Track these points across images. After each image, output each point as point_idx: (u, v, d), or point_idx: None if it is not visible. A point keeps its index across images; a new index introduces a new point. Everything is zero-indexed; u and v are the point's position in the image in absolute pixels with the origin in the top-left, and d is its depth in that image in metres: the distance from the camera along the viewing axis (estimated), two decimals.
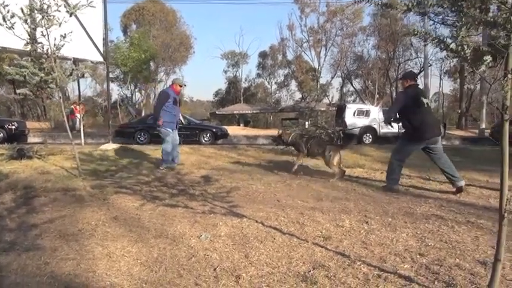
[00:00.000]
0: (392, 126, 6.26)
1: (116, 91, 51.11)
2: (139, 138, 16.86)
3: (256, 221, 4.31)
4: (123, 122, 28.26)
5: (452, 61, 36.32)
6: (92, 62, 9.76)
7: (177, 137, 7.98)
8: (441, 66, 42.39)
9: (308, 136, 7.35)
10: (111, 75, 35.05)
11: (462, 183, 5.83)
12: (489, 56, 2.08)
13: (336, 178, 6.68)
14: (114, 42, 33.49)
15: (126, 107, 33.91)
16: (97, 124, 30.92)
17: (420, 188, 6.21)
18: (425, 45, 22.24)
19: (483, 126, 23.68)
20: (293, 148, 7.45)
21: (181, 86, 7.98)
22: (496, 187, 6.09)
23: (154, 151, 9.97)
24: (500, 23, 1.93)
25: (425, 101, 5.83)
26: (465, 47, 2.05)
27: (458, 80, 36.25)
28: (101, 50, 11.02)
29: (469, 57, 2.09)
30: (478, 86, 29.94)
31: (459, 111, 31.58)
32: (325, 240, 3.72)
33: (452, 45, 2.07)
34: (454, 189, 5.79)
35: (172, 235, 3.92)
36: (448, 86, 49.28)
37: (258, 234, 3.90)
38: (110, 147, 10.67)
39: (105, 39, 11.40)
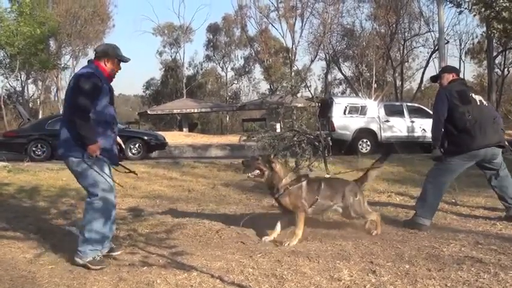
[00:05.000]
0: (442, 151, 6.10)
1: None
2: (34, 152, 16.30)
3: (212, 276, 4.13)
4: (10, 128, 27.35)
5: (476, 36, 37.70)
6: None
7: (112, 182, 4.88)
8: (461, 44, 43.52)
9: (309, 179, 5.66)
10: None
11: None
12: None
13: (379, 228, 5.62)
14: None
15: (15, 106, 32.90)
16: None
17: (445, 218, 6.21)
18: (460, 13, 22.25)
19: None
20: (283, 204, 5.44)
21: (120, 62, 4.97)
22: None
23: (58, 172, 9.63)
24: None
25: (477, 98, 5.89)
26: None
27: (485, 62, 37.39)
28: None
29: None
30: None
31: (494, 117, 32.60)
32: None
33: (505, 13, 1.96)
34: (502, 216, 5.93)
35: None
36: (471, 71, 50.69)
37: None
38: None
39: None
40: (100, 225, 4.58)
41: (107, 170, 4.68)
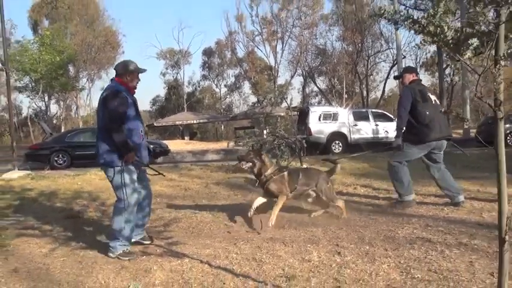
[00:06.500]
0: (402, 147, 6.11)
1: (26, 104, 49.27)
2: (56, 161, 16.13)
3: (201, 261, 4.08)
4: (36, 141, 27.10)
5: (429, 52, 37.90)
6: None
7: (147, 183, 4.99)
8: (416, 59, 43.90)
9: (289, 170, 5.82)
10: (18, 84, 33.92)
11: (462, 197, 5.97)
12: (475, 39, 1.97)
13: (345, 213, 5.68)
14: (21, 42, 32.34)
15: (39, 122, 32.69)
16: (4, 146, 29.59)
17: None
18: (396, 29, 22.76)
19: (468, 125, 24.51)
20: (270, 189, 5.49)
21: (140, 72, 4.81)
22: (489, 198, 6.17)
23: (74, 177, 9.53)
24: None
25: (432, 97, 6.00)
26: (445, 27, 1.94)
27: (437, 74, 37.58)
28: None
29: (450, 41, 1.98)
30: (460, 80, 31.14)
31: (442, 110, 32.72)
32: (288, 280, 3.53)
33: (430, 27, 1.95)
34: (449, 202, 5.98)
35: None
36: (426, 81, 51.13)
37: (203, 279, 3.66)
38: (16, 175, 10.13)
39: (1, 36, 10.77)
40: (127, 223, 4.49)
41: (135, 175, 4.60)
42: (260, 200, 5.52)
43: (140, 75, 4.78)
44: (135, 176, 4.59)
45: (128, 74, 4.63)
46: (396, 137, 6.14)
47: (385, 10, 2.13)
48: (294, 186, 5.51)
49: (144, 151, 4.73)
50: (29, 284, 3.78)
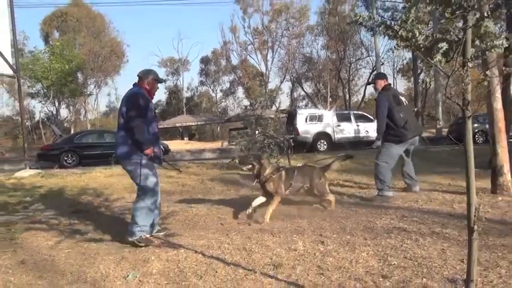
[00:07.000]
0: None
1: (39, 108, 48.81)
2: (66, 160, 15.99)
3: (196, 251, 4.01)
4: (47, 143, 26.89)
5: (405, 59, 38.01)
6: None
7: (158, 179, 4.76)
8: (394, 65, 44.12)
9: (286, 168, 5.74)
10: (31, 91, 33.74)
11: (418, 188, 6.29)
12: (444, 43, 1.92)
13: (333, 206, 5.63)
14: (33, 52, 32.06)
15: (49, 125, 32.48)
16: (18, 148, 29.27)
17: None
18: (372, 35, 22.71)
19: (440, 125, 24.68)
20: (268, 189, 5.39)
21: (160, 82, 4.95)
22: (459, 190, 6.15)
23: (81, 175, 9.42)
24: (455, 1, 1.77)
25: (403, 99, 6.13)
26: (416, 32, 1.89)
27: (412, 79, 37.76)
28: (10, 61, 10.29)
29: (422, 45, 1.93)
30: (433, 84, 31.25)
31: (415, 109, 32.78)
32: (275, 268, 3.47)
33: (402, 32, 1.89)
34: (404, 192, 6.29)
35: (92, 278, 3.54)
36: (402, 86, 51.33)
37: (197, 268, 3.60)
38: (27, 173, 10.01)
39: (13, 46, 10.63)
40: (146, 211, 4.50)
41: (153, 169, 4.63)
42: (260, 200, 5.43)
43: (162, 81, 4.99)
44: (153, 169, 4.62)
45: (149, 81, 4.69)
46: (377, 139, 6.28)
47: (360, 16, 2.08)
48: (290, 183, 5.46)
49: (159, 149, 4.74)
50: (34, 274, 3.70)
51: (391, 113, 5.94)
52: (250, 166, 5.44)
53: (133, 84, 4.74)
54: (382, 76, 6.47)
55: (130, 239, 4.42)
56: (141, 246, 4.32)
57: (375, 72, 26.24)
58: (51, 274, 3.68)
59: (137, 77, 4.72)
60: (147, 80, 4.68)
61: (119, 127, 4.59)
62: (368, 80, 39.42)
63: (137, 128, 4.39)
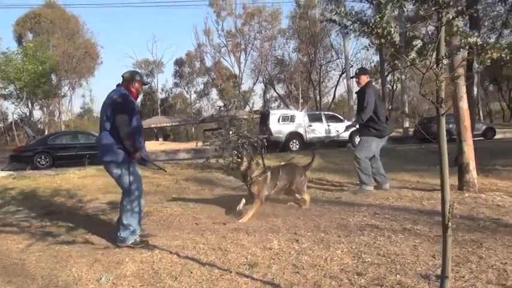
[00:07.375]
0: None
1: (12, 110, 47.36)
2: (39, 162, 15.52)
3: (171, 252, 3.88)
4: (20, 144, 26.08)
5: (373, 61, 38.46)
6: None
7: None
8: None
9: (271, 169, 5.61)
10: (3, 92, 32.61)
11: (388, 186, 6.32)
12: (419, 41, 1.87)
13: (307, 205, 5.58)
14: (6, 53, 31.00)
15: (23, 127, 31.54)
16: None
17: (352, 195, 6.12)
18: (346, 33, 22.78)
19: (406, 125, 25.12)
20: (252, 191, 5.31)
21: (145, 85, 5.04)
22: (427, 188, 6.19)
23: (54, 177, 9.10)
24: None
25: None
26: (392, 29, 1.83)
27: (380, 80, 38.23)
28: None
29: (397, 43, 1.87)
30: (399, 86, 31.74)
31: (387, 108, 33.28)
32: (251, 267, 3.38)
33: (378, 29, 1.83)
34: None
35: (64, 282, 3.38)
36: None
37: (171, 269, 3.48)
38: None
39: None
40: (135, 214, 4.37)
41: (138, 171, 4.48)
42: (244, 200, 5.40)
43: (111, 87, 4.68)
44: (138, 172, 4.49)
45: (134, 82, 4.54)
46: (354, 122, 6.47)
47: (336, 12, 2.01)
48: (275, 183, 5.42)
49: (144, 153, 4.60)
50: (3, 279, 3.51)
51: (376, 107, 6.01)
52: (246, 164, 5.36)
53: (117, 85, 4.56)
54: (366, 72, 6.51)
55: (123, 246, 4.26)
56: (139, 247, 4.17)
57: (358, 67, 26.55)
58: (21, 278, 3.49)
59: (121, 78, 4.53)
60: (133, 81, 4.53)
61: (103, 129, 4.39)
62: (337, 81, 39.97)
63: (126, 132, 4.24)
